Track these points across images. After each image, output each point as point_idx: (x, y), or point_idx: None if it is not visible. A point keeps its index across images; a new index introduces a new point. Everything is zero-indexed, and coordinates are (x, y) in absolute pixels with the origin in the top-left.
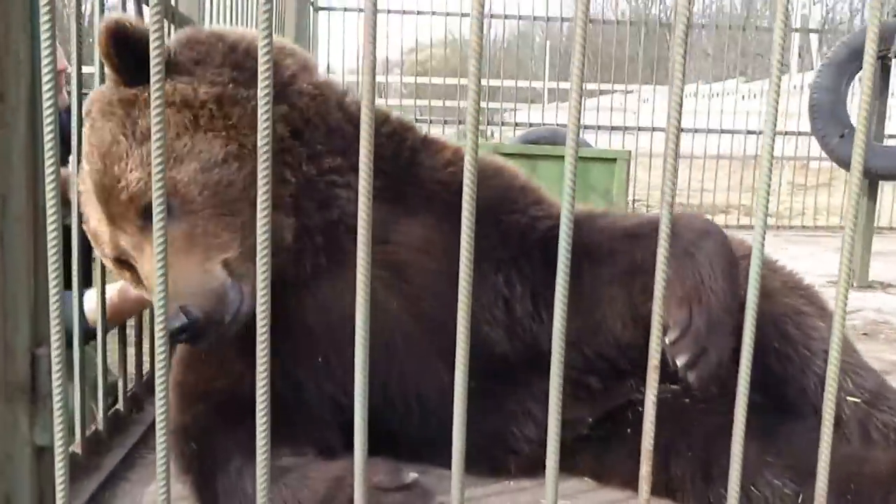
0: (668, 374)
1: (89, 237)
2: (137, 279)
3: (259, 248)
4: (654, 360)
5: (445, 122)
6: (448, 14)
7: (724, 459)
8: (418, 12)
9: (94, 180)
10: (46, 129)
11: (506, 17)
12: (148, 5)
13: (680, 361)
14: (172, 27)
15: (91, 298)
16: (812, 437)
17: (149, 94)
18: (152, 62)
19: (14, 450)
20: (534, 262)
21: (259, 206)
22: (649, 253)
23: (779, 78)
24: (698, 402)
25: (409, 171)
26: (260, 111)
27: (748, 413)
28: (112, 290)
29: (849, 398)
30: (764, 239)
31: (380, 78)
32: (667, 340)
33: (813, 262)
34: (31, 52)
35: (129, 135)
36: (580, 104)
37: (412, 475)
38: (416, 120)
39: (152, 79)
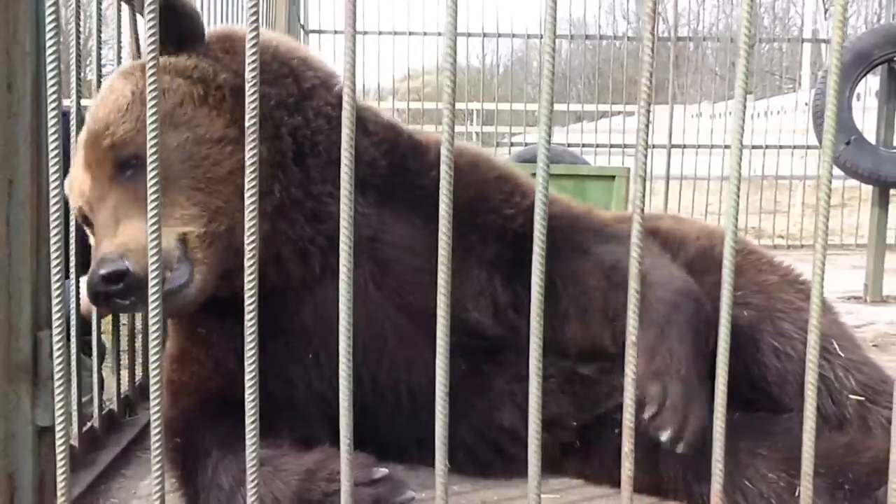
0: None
1: (65, 188)
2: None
3: (247, 246)
4: (631, 336)
5: None
6: (440, 34)
7: None
8: (410, 33)
9: (88, 127)
10: (50, 117)
11: (499, 35)
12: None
13: (664, 437)
14: None
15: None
16: None
17: (167, 65)
18: (148, 70)
19: (16, 430)
20: (511, 261)
21: (247, 212)
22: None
23: (744, 86)
24: None
25: (399, 175)
26: (247, 113)
27: (738, 409)
28: None
29: (852, 396)
30: (735, 238)
31: (373, 103)
32: (645, 416)
33: (827, 279)
34: (37, 43)
35: (136, 92)
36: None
37: (383, 470)
38: None
39: (148, 87)
